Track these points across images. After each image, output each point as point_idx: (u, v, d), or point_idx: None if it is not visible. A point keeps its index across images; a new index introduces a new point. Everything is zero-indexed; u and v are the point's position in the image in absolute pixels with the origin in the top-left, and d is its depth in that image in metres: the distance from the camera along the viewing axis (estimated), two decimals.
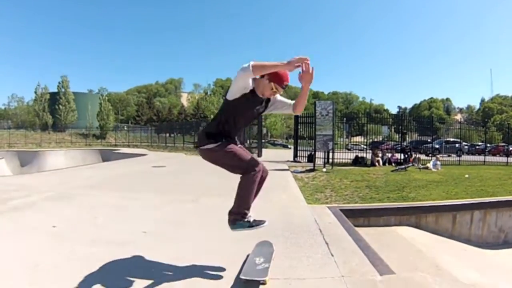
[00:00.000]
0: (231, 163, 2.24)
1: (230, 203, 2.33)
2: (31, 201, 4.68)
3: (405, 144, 13.32)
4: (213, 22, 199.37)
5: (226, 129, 2.24)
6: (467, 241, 5.49)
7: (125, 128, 43.90)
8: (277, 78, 2.13)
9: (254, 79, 2.15)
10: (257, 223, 2.28)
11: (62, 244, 2.86)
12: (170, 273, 2.34)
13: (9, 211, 4.07)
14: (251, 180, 2.19)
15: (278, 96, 2.39)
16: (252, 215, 2.33)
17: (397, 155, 12.42)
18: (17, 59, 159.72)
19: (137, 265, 2.47)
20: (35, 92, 41.93)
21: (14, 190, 5.48)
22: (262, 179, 2.33)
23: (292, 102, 2.43)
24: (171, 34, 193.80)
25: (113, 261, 2.51)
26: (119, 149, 23.11)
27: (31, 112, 47.51)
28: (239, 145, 2.35)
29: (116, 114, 49.50)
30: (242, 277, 2.16)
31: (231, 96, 2.16)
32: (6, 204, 4.40)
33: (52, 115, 41.98)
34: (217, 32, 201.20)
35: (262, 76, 2.14)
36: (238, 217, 2.26)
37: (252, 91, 2.17)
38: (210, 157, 2.27)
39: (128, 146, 28.92)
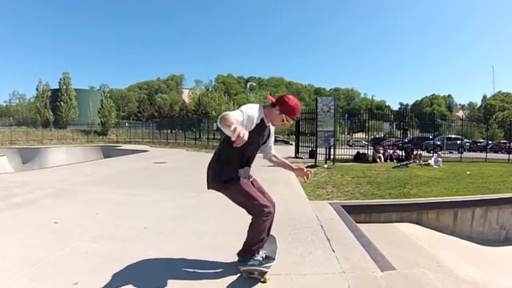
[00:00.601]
0: (244, 204, 2.19)
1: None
2: (33, 197, 4.70)
3: (406, 141, 13.28)
4: (213, 22, 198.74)
5: (236, 163, 2.18)
6: (469, 238, 5.49)
7: (127, 125, 43.81)
8: (288, 110, 2.11)
9: (264, 107, 2.15)
10: (266, 261, 2.23)
11: (63, 240, 2.88)
12: (171, 269, 2.35)
13: (11, 207, 4.10)
14: (262, 224, 2.18)
15: (272, 142, 2.38)
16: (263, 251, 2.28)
17: (399, 152, 12.41)
18: (19, 56, 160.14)
19: (138, 261, 2.48)
20: (37, 89, 41.78)
21: (16, 187, 5.51)
22: (272, 216, 2.30)
23: (273, 154, 2.42)
24: (172, 32, 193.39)
25: (114, 256, 2.52)
26: (120, 146, 23.18)
27: (33, 109, 47.44)
28: (251, 179, 2.30)
29: (117, 111, 49.31)
30: (242, 268, 2.19)
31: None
32: (8, 201, 4.43)
33: (54, 112, 41.91)
34: (218, 31, 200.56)
35: (274, 106, 2.12)
36: (248, 255, 2.23)
37: (261, 119, 2.12)
38: (223, 192, 2.22)
39: (130, 142, 28.92)
